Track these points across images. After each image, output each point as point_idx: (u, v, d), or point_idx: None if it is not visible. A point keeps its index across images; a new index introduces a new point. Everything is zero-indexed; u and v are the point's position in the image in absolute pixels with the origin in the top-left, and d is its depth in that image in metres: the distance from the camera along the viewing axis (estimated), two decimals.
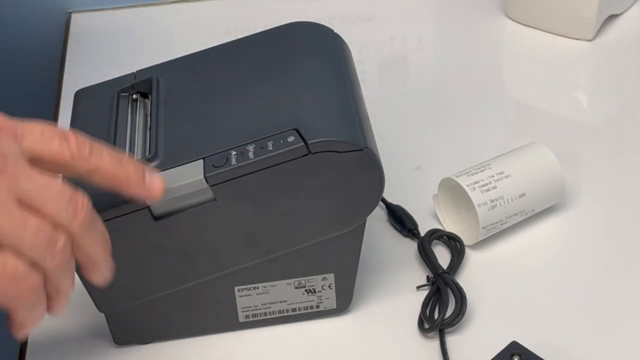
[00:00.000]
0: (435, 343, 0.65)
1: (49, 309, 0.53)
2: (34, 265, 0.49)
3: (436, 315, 0.66)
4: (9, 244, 0.48)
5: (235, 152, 0.59)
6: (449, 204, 0.74)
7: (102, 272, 0.55)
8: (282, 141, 0.58)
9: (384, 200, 0.75)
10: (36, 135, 0.51)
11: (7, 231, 0.48)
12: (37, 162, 0.50)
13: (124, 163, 0.54)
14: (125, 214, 0.58)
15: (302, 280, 0.65)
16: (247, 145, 0.59)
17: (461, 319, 0.66)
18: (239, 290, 0.64)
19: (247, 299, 0.65)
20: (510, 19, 0.99)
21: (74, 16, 1.04)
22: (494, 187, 0.70)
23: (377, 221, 0.75)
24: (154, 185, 0.55)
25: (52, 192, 0.50)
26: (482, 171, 0.71)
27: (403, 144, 0.83)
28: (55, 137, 0.51)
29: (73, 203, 0.50)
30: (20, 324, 0.51)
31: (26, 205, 0.49)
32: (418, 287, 0.69)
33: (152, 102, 0.65)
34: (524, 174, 0.72)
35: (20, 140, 0.50)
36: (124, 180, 0.54)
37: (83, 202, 0.51)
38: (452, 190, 0.74)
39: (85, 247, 0.52)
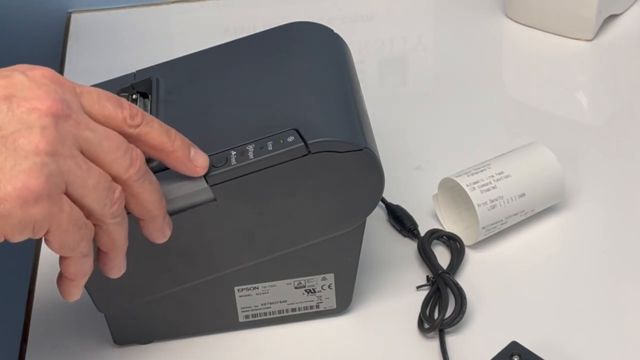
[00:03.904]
0: (435, 343, 0.65)
1: (106, 267, 0.55)
2: (88, 215, 0.51)
3: (436, 315, 0.66)
4: (73, 189, 0.50)
5: (235, 152, 0.59)
6: (449, 204, 0.74)
7: (160, 226, 0.56)
8: (282, 141, 0.58)
9: (384, 200, 0.75)
10: (92, 96, 0.53)
11: (74, 176, 0.50)
12: None
13: (172, 136, 0.56)
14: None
15: (302, 280, 0.65)
16: (247, 145, 0.59)
17: (461, 319, 0.66)
18: (238, 290, 0.64)
19: (247, 299, 0.65)
20: (510, 19, 0.99)
21: (74, 16, 1.04)
22: (494, 187, 0.70)
23: (377, 221, 0.75)
24: (197, 161, 0.57)
25: (111, 142, 0.52)
26: (482, 171, 0.71)
27: (403, 144, 0.83)
28: (110, 101, 0.53)
29: (129, 153, 0.53)
30: (72, 276, 0.53)
31: (87, 154, 0.51)
32: (418, 287, 0.69)
33: (152, 102, 0.64)
34: (524, 174, 0.72)
35: (78, 97, 0.52)
36: (170, 153, 0.56)
37: (138, 153, 0.53)
38: (452, 190, 0.74)
39: (141, 197, 0.54)
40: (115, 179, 0.52)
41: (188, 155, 0.56)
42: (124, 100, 0.54)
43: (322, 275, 0.65)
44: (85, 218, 0.51)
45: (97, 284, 0.61)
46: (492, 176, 0.71)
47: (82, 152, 0.51)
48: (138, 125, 0.54)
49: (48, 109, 0.49)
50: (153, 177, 0.55)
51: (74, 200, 0.50)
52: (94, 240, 0.53)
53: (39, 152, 0.48)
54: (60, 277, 0.54)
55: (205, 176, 0.58)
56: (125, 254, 0.56)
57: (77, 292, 0.55)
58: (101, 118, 0.52)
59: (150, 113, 0.64)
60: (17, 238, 0.49)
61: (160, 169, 0.58)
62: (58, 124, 0.49)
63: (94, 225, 0.52)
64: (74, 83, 0.52)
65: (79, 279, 0.54)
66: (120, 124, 0.53)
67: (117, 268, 0.56)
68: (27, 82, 0.50)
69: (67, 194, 0.50)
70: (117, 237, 0.54)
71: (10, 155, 0.48)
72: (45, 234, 0.50)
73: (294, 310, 0.66)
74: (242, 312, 0.66)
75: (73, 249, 0.51)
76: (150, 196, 0.54)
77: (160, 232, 0.57)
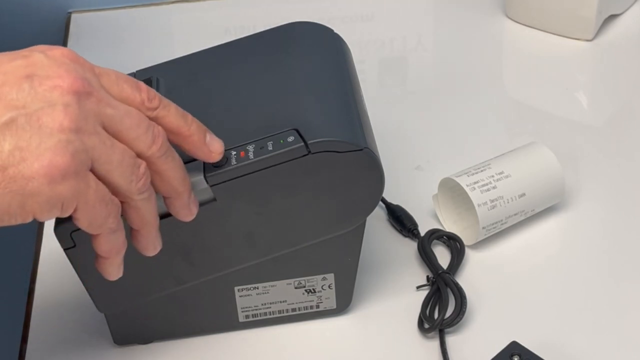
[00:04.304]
0: (435, 343, 0.65)
1: (140, 245, 0.56)
2: (115, 193, 0.52)
3: (436, 315, 0.66)
4: (98, 165, 0.50)
5: (235, 152, 0.59)
6: (449, 204, 0.74)
7: (186, 203, 0.56)
8: (282, 141, 0.58)
9: (384, 200, 0.75)
10: (111, 78, 0.53)
11: (99, 153, 0.50)
12: None
13: (188, 121, 0.56)
14: None
15: (302, 280, 0.65)
16: (247, 145, 0.59)
17: (461, 319, 0.66)
18: (239, 290, 0.64)
19: (247, 299, 0.65)
20: (510, 19, 0.99)
21: (74, 16, 1.04)
22: (494, 187, 0.70)
23: (377, 221, 0.75)
24: (213, 146, 0.57)
25: (133, 119, 0.52)
26: (482, 171, 0.71)
27: (403, 144, 0.83)
28: (128, 83, 0.53)
29: (151, 130, 0.53)
30: (106, 254, 0.53)
31: (109, 131, 0.51)
32: (418, 287, 0.69)
33: None
34: (524, 174, 0.72)
35: (97, 78, 0.52)
36: (186, 137, 0.56)
37: (159, 130, 0.53)
38: (452, 190, 0.74)
39: (165, 174, 0.54)
40: (138, 156, 0.52)
41: (204, 140, 0.56)
42: (141, 83, 0.54)
43: (322, 275, 0.65)
44: (110, 194, 0.51)
45: (97, 284, 0.61)
46: (492, 176, 0.71)
47: (104, 130, 0.51)
48: (155, 109, 0.54)
49: (70, 87, 0.49)
50: (176, 154, 0.55)
51: (100, 178, 0.50)
52: (125, 219, 0.53)
53: (63, 130, 0.48)
54: (97, 259, 0.54)
55: (205, 176, 0.58)
56: (158, 230, 0.56)
57: (115, 270, 0.55)
58: (119, 100, 0.53)
59: None
60: (46, 216, 0.49)
61: None
62: (80, 101, 0.49)
63: (123, 203, 0.52)
64: (92, 64, 0.53)
65: (114, 255, 0.54)
66: (138, 107, 0.53)
67: (152, 245, 0.56)
68: (47, 60, 0.50)
69: (92, 171, 0.50)
70: (146, 213, 0.54)
71: (35, 134, 0.48)
72: (73, 212, 0.50)
73: (294, 310, 0.66)
74: (242, 312, 0.66)
75: (101, 225, 0.51)
76: (174, 172, 0.54)
77: (187, 209, 0.57)
